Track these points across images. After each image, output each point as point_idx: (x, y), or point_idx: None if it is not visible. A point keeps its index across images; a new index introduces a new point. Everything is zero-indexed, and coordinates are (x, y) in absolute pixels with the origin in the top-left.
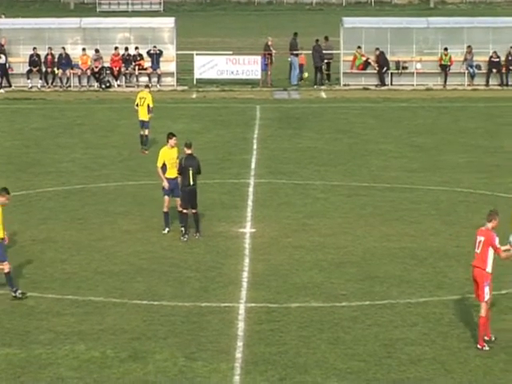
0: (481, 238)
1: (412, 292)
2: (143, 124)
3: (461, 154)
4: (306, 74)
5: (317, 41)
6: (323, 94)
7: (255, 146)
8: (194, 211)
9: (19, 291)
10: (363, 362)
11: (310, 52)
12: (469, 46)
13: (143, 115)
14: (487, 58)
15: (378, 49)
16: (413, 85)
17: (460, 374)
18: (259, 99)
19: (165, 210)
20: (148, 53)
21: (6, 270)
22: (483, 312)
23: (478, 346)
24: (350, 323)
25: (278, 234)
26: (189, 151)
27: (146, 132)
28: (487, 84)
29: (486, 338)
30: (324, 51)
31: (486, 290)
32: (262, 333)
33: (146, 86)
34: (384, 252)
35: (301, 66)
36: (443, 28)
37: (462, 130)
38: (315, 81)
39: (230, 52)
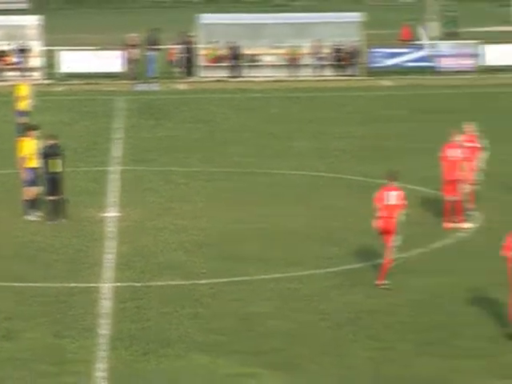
0: None
1: (267, 269)
2: (20, 114)
3: (311, 141)
4: (177, 69)
5: (184, 34)
6: (182, 86)
7: (119, 136)
8: (59, 197)
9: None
10: (222, 336)
11: (177, 46)
12: (316, 40)
13: (20, 105)
14: (333, 51)
15: (232, 43)
16: (265, 76)
17: (313, 345)
18: (122, 91)
19: (27, 198)
20: (15, 49)
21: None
22: None
23: None
24: (210, 299)
25: (142, 218)
26: (52, 141)
27: (23, 120)
28: (336, 75)
29: None
30: (181, 45)
31: None
32: (127, 310)
33: (23, 78)
34: (242, 233)
35: (171, 61)
36: (293, 23)
37: (312, 119)
38: (186, 72)
39: (94, 47)
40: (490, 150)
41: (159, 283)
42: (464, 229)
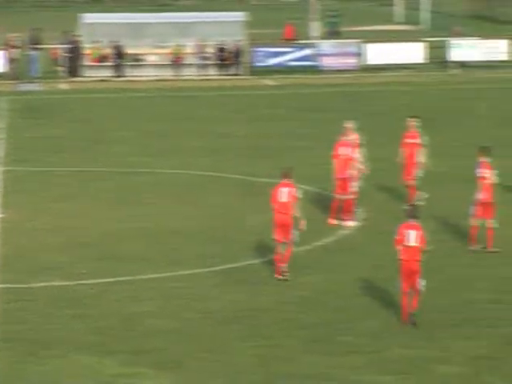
0: None
1: (150, 268)
2: None
3: (195, 140)
4: (61, 69)
5: (68, 34)
6: (65, 86)
7: (1, 136)
8: None
9: None
10: (106, 336)
11: (60, 45)
12: (200, 39)
13: None
14: (216, 50)
15: (114, 42)
16: (149, 76)
17: (197, 343)
18: (4, 91)
19: None
20: None
21: None
22: None
23: None
24: (93, 300)
25: (24, 219)
26: None
27: None
28: (219, 74)
29: None
30: (65, 45)
31: None
32: (10, 312)
33: None
34: (124, 232)
35: (55, 60)
36: (176, 22)
37: (196, 118)
38: (69, 72)
39: None
40: (367, 148)
41: (41, 284)
42: (348, 226)
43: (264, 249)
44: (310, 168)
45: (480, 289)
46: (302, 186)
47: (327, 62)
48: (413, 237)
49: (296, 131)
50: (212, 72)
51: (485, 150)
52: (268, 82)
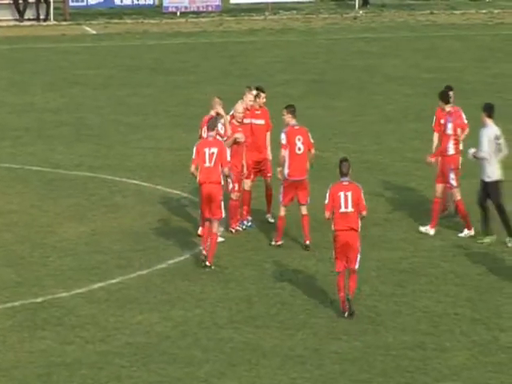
0: None
1: None
2: None
3: None
4: None
5: None
6: None
7: None
8: None
9: None
10: None
11: None
12: None
13: None
14: None
15: None
16: None
17: None
18: None
19: None
20: None
21: None
22: None
23: None
24: None
25: None
26: None
27: None
28: (15, 19)
29: None
30: None
31: None
32: None
33: None
34: None
35: None
36: None
37: None
38: None
39: None
40: None
41: None
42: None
43: (84, 275)
44: (153, 156)
45: None
46: (139, 182)
47: (174, 2)
48: (348, 200)
49: (128, 101)
50: (5, 16)
51: (289, 109)
52: (88, 29)
